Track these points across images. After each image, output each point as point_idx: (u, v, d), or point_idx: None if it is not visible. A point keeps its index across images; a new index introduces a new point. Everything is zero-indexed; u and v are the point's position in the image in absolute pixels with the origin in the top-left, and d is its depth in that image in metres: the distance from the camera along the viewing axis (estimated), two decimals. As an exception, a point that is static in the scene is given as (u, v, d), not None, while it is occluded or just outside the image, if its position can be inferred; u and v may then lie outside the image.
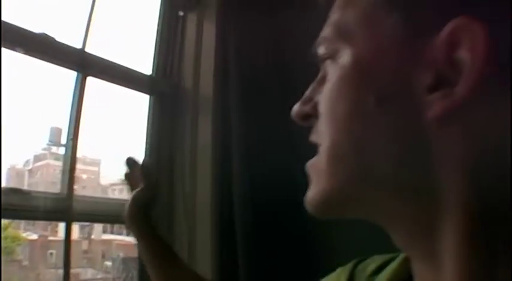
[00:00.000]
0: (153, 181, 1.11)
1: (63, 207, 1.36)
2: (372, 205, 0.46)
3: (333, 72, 0.47)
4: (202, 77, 1.68)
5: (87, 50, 1.45)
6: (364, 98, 0.43)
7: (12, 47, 1.25)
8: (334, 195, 0.46)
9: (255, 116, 1.52)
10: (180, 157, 1.67)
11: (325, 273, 0.73)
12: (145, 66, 1.72)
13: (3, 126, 1.21)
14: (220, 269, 1.50)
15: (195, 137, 1.65)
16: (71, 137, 1.41)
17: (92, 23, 1.49)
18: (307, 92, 0.51)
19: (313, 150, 0.49)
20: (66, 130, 1.46)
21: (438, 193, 0.40)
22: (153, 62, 1.73)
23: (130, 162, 1.12)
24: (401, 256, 0.56)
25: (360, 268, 0.66)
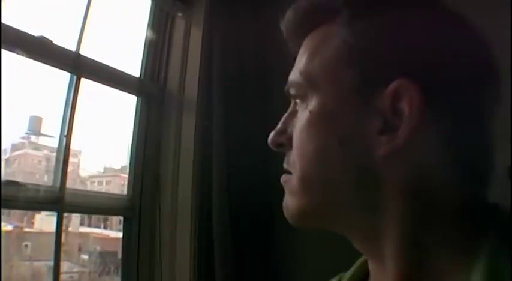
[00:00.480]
0: None
1: (55, 198, 1.47)
2: (334, 220, 0.58)
3: (302, 113, 0.58)
4: (188, 80, 1.77)
5: (81, 52, 1.55)
6: (329, 141, 0.55)
7: (12, 49, 1.35)
8: (304, 211, 0.58)
9: (236, 118, 1.63)
10: (164, 155, 1.77)
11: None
12: (134, 68, 1.81)
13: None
14: (198, 265, 1.62)
15: (178, 137, 1.75)
16: (65, 134, 1.51)
17: (85, 26, 1.59)
18: (281, 124, 0.62)
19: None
20: (58, 124, 1.55)
21: (383, 212, 0.52)
22: (142, 65, 1.82)
23: None
24: (361, 259, 0.67)
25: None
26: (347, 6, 0.55)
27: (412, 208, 0.52)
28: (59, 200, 1.48)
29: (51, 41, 1.46)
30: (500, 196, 0.57)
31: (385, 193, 0.52)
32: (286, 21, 0.62)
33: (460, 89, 0.52)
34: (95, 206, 1.76)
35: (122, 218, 1.82)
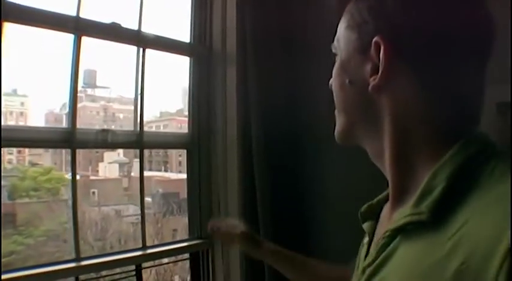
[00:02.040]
0: (232, 236, 1.46)
1: (136, 139, 2.01)
2: (357, 138, 0.81)
3: (336, 63, 0.83)
4: (228, 41, 2.18)
5: (142, 29, 2.03)
6: (343, 81, 0.79)
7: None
8: (341, 129, 0.83)
9: (267, 69, 2.04)
10: (214, 101, 2.22)
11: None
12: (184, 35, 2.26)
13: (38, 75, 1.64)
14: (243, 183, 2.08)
15: (224, 86, 2.19)
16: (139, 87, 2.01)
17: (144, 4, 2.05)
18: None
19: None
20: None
21: (380, 126, 0.74)
22: (190, 32, 2.26)
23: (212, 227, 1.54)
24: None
25: None
26: None
27: (398, 133, 0.72)
28: (139, 140, 2.01)
29: (120, 25, 1.95)
30: (490, 129, 0.70)
31: (381, 122, 0.74)
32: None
33: (427, 44, 0.68)
34: (167, 143, 2.30)
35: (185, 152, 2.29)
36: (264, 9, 2.08)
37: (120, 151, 7.06)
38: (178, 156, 7.54)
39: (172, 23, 2.38)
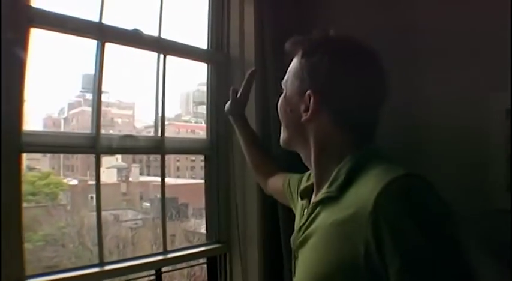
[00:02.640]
0: (241, 96, 1.87)
1: (158, 144, 2.04)
2: (295, 147, 1.24)
3: (281, 96, 1.25)
4: (246, 47, 2.22)
5: (162, 36, 2.05)
6: (286, 109, 1.21)
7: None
8: (283, 140, 1.26)
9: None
10: None
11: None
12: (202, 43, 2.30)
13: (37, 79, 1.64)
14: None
15: None
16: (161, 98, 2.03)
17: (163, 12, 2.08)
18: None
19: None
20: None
21: (308, 142, 1.17)
22: (208, 39, 2.30)
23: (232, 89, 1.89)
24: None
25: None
26: (300, 50, 1.17)
27: (320, 147, 1.14)
28: (161, 145, 2.04)
29: (141, 32, 1.97)
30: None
31: (308, 140, 1.16)
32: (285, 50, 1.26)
33: (341, 99, 1.09)
34: (186, 148, 2.32)
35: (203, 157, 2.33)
36: (282, 14, 2.12)
37: (119, 155, 7.06)
38: (176, 161, 7.58)
39: (190, 29, 2.40)
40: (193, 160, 7.39)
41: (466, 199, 1.68)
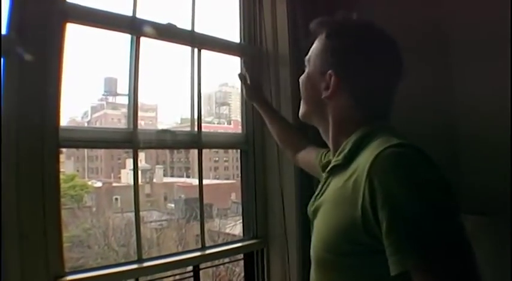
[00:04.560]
0: (251, 80, 1.96)
1: (194, 139, 2.02)
2: (312, 119, 1.30)
3: (304, 73, 1.30)
4: (280, 41, 2.19)
5: (196, 29, 2.04)
6: (308, 85, 1.28)
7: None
8: (303, 113, 1.32)
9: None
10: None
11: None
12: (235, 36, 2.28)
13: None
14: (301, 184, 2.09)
15: (277, 86, 2.20)
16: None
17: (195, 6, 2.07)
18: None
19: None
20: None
21: (326, 117, 1.23)
22: (240, 33, 2.28)
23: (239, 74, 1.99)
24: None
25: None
26: (325, 30, 1.22)
27: (337, 122, 1.20)
28: (197, 140, 2.02)
29: (175, 25, 1.95)
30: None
31: (327, 115, 1.22)
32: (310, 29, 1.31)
33: (359, 79, 1.15)
34: (222, 143, 2.30)
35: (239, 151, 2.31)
36: (315, 5, 2.08)
37: (143, 157, 7.10)
38: (200, 162, 7.63)
39: (222, 23, 2.38)
40: (217, 161, 7.40)
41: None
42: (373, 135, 1.09)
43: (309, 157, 1.72)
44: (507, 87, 1.87)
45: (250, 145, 2.24)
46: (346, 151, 1.13)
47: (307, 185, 2.01)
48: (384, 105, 1.20)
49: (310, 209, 1.24)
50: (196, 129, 2.02)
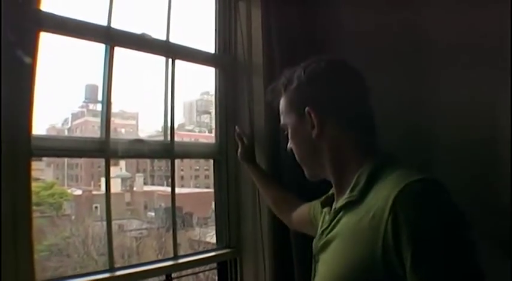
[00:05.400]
0: (247, 140, 2.00)
1: (167, 149, 2.02)
2: (320, 169, 1.28)
3: (289, 135, 1.31)
4: (254, 50, 2.21)
5: (170, 40, 2.05)
6: (297, 138, 1.28)
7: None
8: (309, 175, 1.33)
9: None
10: (241, 110, 2.24)
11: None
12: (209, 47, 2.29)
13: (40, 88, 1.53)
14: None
15: (251, 95, 2.21)
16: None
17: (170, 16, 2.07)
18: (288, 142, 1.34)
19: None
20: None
21: (323, 157, 1.23)
22: (215, 43, 2.29)
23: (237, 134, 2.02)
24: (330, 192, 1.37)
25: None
26: (282, 88, 1.30)
27: (335, 156, 1.21)
28: (170, 149, 2.02)
29: (150, 35, 1.97)
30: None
31: (324, 156, 1.23)
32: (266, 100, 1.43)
33: (336, 100, 1.20)
34: (195, 153, 2.31)
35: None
36: (289, 17, 2.10)
37: (123, 165, 7.06)
38: (180, 170, 7.58)
39: (197, 34, 2.40)
40: (197, 169, 7.38)
41: (475, 197, 1.67)
42: (385, 166, 1.11)
43: (302, 214, 1.71)
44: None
45: (223, 155, 2.25)
46: (361, 185, 1.12)
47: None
48: (368, 121, 1.23)
49: (317, 244, 1.24)
50: (169, 139, 2.02)
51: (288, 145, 1.32)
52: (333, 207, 1.24)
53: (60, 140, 1.77)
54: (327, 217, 1.27)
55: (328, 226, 1.20)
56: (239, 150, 2.00)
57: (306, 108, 1.19)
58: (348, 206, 1.13)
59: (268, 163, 2.09)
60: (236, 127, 2.06)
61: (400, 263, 0.92)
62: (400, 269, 0.93)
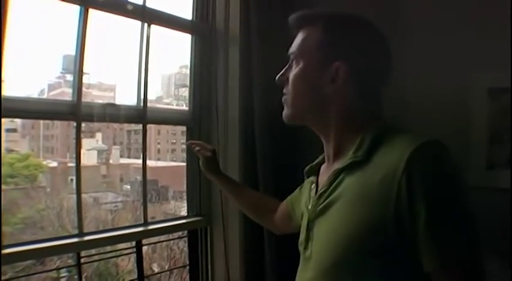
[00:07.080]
0: (209, 151, 1.79)
1: (140, 114, 2.01)
2: (308, 118, 1.22)
3: (294, 68, 1.20)
4: (231, 20, 2.19)
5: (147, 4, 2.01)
6: (304, 81, 1.18)
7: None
8: (292, 115, 1.22)
9: (269, 49, 2.02)
10: (215, 80, 2.22)
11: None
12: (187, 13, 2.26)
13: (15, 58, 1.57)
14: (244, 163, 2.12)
15: (227, 65, 2.20)
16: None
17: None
18: (283, 71, 1.25)
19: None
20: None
21: (329, 112, 1.17)
22: (193, 10, 2.26)
23: (190, 146, 1.85)
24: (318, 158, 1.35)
25: None
26: (322, 22, 1.17)
27: (344, 117, 1.16)
28: (143, 115, 2.01)
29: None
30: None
31: (329, 110, 1.17)
32: (289, 22, 1.26)
33: (368, 67, 1.15)
34: (167, 119, 2.32)
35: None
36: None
37: (99, 137, 6.98)
38: (157, 144, 7.53)
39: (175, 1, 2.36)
40: (174, 143, 7.34)
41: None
42: (389, 131, 1.10)
43: (283, 212, 1.65)
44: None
45: (196, 122, 2.24)
46: (366, 146, 1.09)
47: (252, 165, 2.06)
48: (381, 96, 1.21)
49: (314, 208, 1.18)
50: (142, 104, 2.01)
51: (280, 76, 1.25)
52: (333, 169, 1.16)
53: (31, 102, 1.75)
54: (315, 187, 1.26)
55: (328, 188, 1.15)
56: (201, 162, 1.81)
57: (336, 63, 1.13)
58: (352, 167, 1.10)
59: (240, 139, 2.12)
60: (190, 142, 1.90)
61: (412, 220, 0.95)
62: (409, 226, 0.95)
